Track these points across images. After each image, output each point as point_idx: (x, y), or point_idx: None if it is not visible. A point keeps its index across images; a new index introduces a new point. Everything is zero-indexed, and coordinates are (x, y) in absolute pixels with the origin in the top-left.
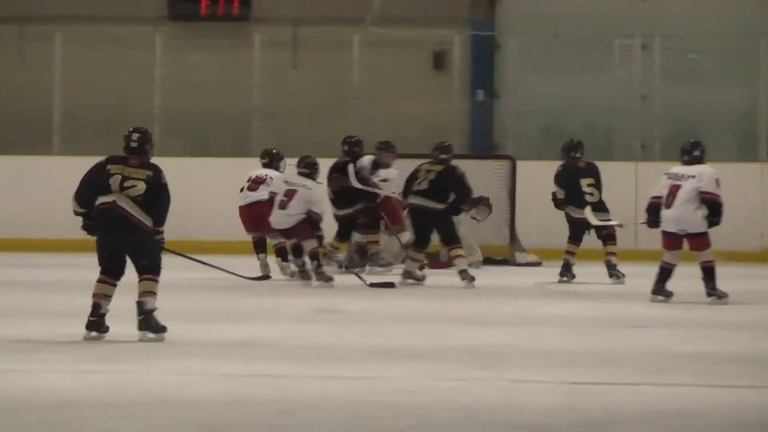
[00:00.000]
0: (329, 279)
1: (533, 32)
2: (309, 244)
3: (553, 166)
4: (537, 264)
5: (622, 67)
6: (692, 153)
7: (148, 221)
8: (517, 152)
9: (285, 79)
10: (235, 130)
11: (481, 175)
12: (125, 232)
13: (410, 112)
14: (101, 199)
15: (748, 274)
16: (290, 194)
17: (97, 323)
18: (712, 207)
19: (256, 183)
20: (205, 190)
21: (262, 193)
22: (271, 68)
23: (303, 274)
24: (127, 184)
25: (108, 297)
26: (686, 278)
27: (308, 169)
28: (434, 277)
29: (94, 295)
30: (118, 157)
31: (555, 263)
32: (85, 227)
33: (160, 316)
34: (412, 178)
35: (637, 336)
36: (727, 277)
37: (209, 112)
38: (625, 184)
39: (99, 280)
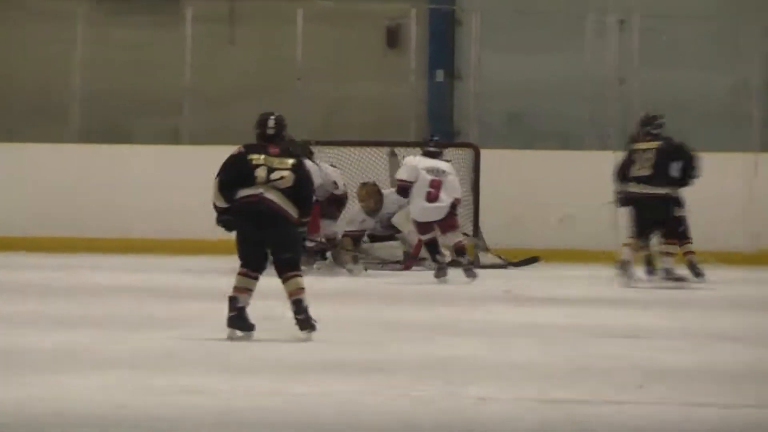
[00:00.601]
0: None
1: (497, 7)
2: (455, 237)
3: (520, 155)
4: (503, 266)
5: (596, 47)
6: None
7: (294, 213)
8: (480, 139)
9: (220, 57)
10: (164, 114)
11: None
12: (272, 226)
13: (361, 95)
14: (245, 192)
15: (740, 277)
16: (437, 184)
17: (238, 318)
18: None
19: None
20: (131, 180)
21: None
22: (205, 45)
23: (441, 271)
24: (273, 175)
25: (250, 291)
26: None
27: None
28: (390, 279)
29: (235, 289)
30: (256, 146)
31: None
32: (223, 222)
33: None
34: (628, 162)
35: (617, 347)
36: (717, 281)
37: (136, 94)
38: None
39: (241, 273)
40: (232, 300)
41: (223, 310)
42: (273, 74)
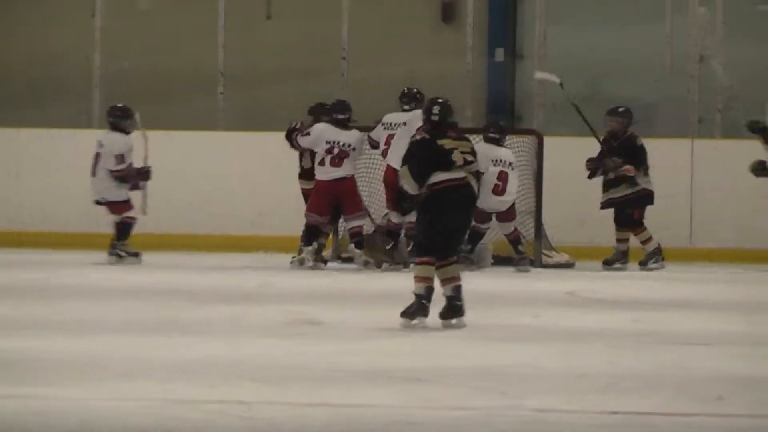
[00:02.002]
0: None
1: None
2: (509, 227)
3: (587, 142)
4: (569, 265)
5: (676, 21)
6: None
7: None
8: (543, 125)
9: (257, 34)
10: (196, 97)
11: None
12: (470, 210)
13: (412, 76)
14: (446, 176)
15: None
16: (504, 177)
17: (422, 309)
18: None
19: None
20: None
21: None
22: (239, 21)
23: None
24: (469, 158)
25: (431, 280)
26: (749, 284)
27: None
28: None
29: (418, 279)
30: (436, 132)
31: (590, 265)
32: (401, 208)
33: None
34: None
35: (689, 355)
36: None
37: (163, 75)
38: (677, 166)
39: (426, 263)
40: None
41: (255, 313)
42: (315, 53)
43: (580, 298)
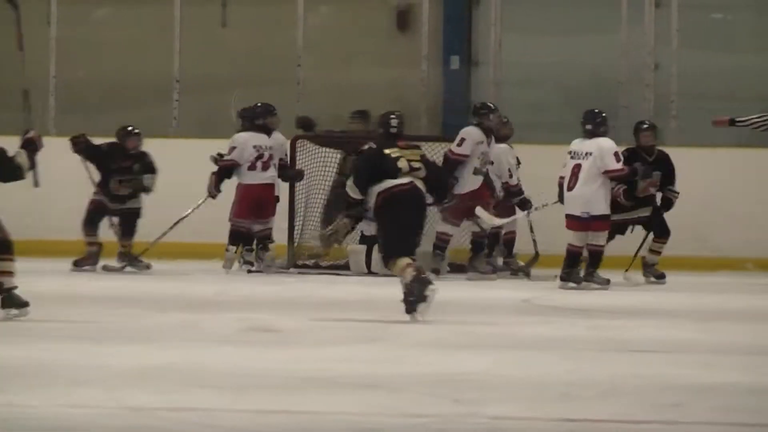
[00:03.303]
0: None
1: None
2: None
3: (544, 150)
4: (526, 272)
5: (631, 29)
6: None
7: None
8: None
9: (212, 42)
10: (151, 104)
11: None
12: (422, 213)
13: (367, 84)
14: (394, 182)
15: None
16: (577, 169)
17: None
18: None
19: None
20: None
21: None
22: (194, 29)
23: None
24: (415, 165)
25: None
26: (705, 292)
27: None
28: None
29: (407, 267)
30: (388, 142)
31: (545, 273)
32: (352, 216)
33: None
34: None
35: (646, 362)
36: (762, 290)
37: (118, 83)
38: None
39: (407, 263)
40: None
41: (215, 320)
42: (270, 60)
43: (536, 305)
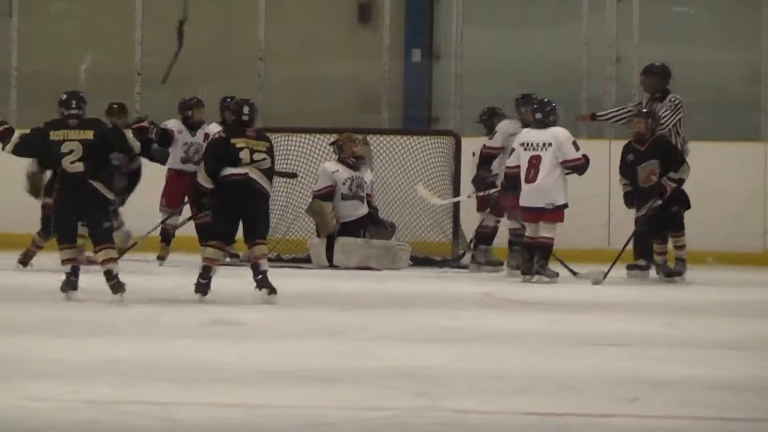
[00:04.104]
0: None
1: None
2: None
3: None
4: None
5: (592, 22)
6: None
7: (270, 190)
8: (461, 126)
9: (174, 34)
10: (113, 97)
11: (416, 155)
12: (255, 202)
13: (329, 76)
14: (231, 171)
15: (748, 280)
16: (536, 161)
17: (206, 286)
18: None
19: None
20: None
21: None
22: (156, 21)
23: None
24: (256, 156)
25: (218, 262)
26: (666, 285)
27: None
28: (348, 281)
29: (207, 260)
30: (237, 130)
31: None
32: (202, 205)
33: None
34: None
35: (607, 356)
36: (722, 283)
37: (79, 74)
38: (594, 166)
39: (213, 246)
40: (206, 269)
41: (174, 313)
42: (232, 53)
43: (497, 299)
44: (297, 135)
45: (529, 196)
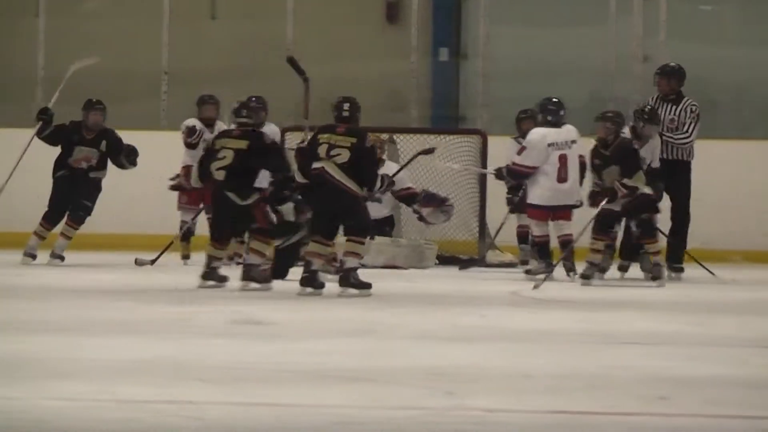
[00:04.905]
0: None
1: None
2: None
3: None
4: (513, 265)
5: (620, 21)
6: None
7: (353, 186)
8: (488, 125)
9: (201, 34)
10: (140, 97)
11: (443, 154)
12: (332, 196)
13: (357, 76)
14: (313, 165)
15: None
16: (563, 160)
17: (310, 279)
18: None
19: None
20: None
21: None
22: (184, 21)
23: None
24: (333, 152)
25: (320, 255)
26: (699, 284)
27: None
28: (374, 279)
29: (308, 253)
30: (329, 126)
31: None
32: (295, 199)
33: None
34: None
35: (635, 355)
36: (750, 281)
37: (106, 76)
38: None
39: (313, 240)
40: (308, 263)
41: (203, 313)
42: (259, 53)
43: (524, 298)
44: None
45: (559, 194)
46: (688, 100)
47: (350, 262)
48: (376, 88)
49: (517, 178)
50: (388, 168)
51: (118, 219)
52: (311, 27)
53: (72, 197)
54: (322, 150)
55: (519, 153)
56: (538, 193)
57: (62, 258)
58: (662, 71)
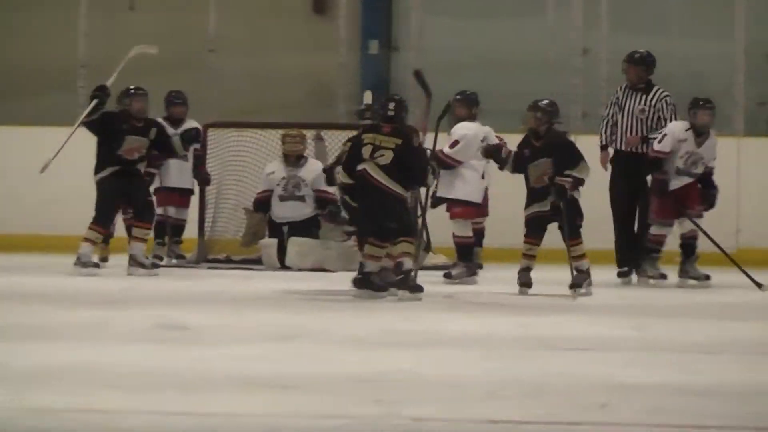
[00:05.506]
0: None
1: None
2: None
3: None
4: (447, 267)
5: (558, 13)
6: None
7: (397, 188)
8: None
9: (120, 25)
10: (54, 91)
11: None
12: (375, 197)
13: (283, 69)
14: (358, 167)
15: (720, 281)
16: None
17: (364, 280)
18: None
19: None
20: (13, 167)
21: None
22: (101, 11)
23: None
24: (377, 153)
25: (375, 257)
26: (641, 288)
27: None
28: (301, 282)
29: (364, 255)
30: (374, 126)
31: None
32: (345, 203)
33: None
34: None
35: (574, 361)
36: (694, 284)
37: (18, 68)
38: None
39: (369, 243)
40: (362, 264)
41: (123, 317)
42: (181, 45)
43: (460, 302)
44: (249, 130)
45: (483, 190)
46: (659, 89)
47: (406, 264)
48: (302, 82)
49: (443, 168)
50: (313, 166)
51: (33, 219)
52: (235, 18)
53: (129, 193)
54: (366, 151)
55: (452, 146)
56: (468, 190)
57: (158, 264)
58: (631, 59)
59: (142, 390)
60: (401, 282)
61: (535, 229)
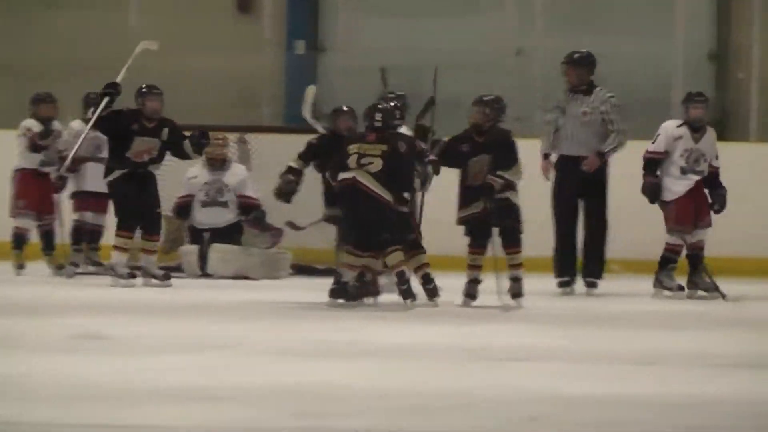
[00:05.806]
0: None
1: None
2: None
3: None
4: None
5: (492, 12)
6: None
7: (388, 196)
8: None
9: (35, 23)
10: None
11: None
12: (365, 206)
13: (205, 69)
14: (342, 176)
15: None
16: None
17: (339, 290)
18: None
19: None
20: None
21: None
22: (15, 8)
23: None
24: (364, 161)
25: (353, 267)
26: (573, 296)
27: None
28: (223, 290)
29: (341, 264)
30: (359, 135)
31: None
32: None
33: None
34: None
35: (504, 372)
36: (630, 293)
37: None
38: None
39: (346, 251)
40: (337, 274)
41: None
42: (101, 44)
43: (397, 312)
44: None
45: None
46: (601, 90)
47: (406, 273)
48: (225, 83)
49: None
50: (237, 170)
51: None
52: (156, 16)
53: (142, 196)
54: (352, 160)
55: None
56: None
57: (168, 276)
58: (570, 60)
59: (59, 402)
60: (404, 293)
61: (476, 237)
